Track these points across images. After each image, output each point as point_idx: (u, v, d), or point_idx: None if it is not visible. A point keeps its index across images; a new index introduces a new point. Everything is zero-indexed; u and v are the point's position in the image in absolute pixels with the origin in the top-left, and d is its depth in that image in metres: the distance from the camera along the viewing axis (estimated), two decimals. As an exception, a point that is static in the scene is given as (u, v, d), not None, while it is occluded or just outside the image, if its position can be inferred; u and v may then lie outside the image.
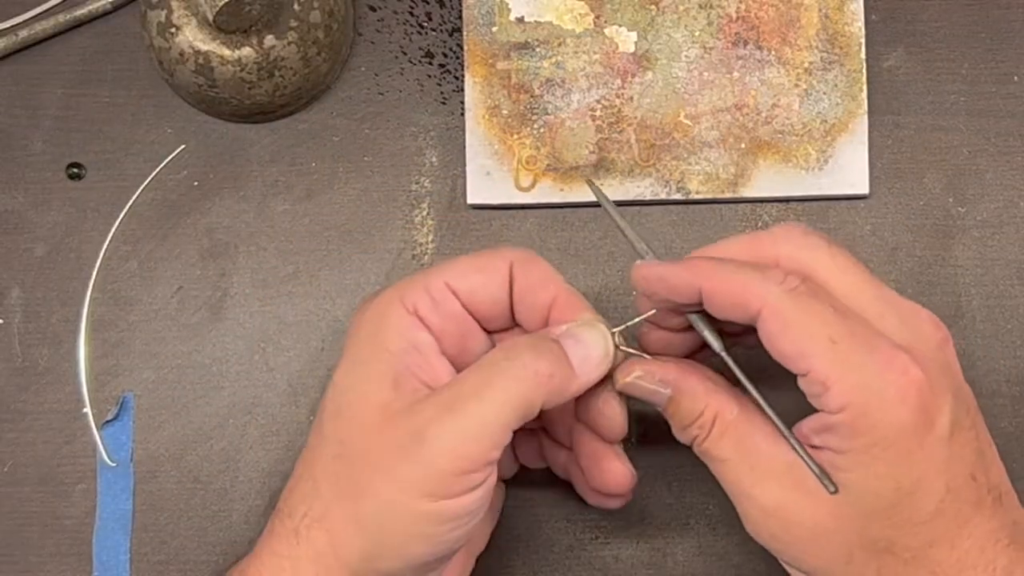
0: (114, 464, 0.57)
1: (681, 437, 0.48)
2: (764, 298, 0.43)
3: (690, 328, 0.48)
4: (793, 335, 0.43)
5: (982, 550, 0.43)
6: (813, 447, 0.44)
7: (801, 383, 0.44)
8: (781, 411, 0.46)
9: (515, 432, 0.45)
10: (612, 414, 0.48)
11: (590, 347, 0.46)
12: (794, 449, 0.44)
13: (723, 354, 0.47)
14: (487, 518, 0.53)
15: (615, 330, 0.47)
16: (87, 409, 0.58)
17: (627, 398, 0.49)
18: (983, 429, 0.45)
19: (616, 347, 0.47)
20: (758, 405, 0.46)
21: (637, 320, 0.48)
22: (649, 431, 0.57)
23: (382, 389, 0.45)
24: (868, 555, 0.44)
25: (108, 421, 0.57)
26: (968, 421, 0.44)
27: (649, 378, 0.47)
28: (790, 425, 0.45)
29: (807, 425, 0.45)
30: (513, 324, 0.49)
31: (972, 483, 0.43)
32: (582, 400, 0.48)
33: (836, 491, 0.43)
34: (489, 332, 0.49)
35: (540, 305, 0.48)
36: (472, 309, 0.48)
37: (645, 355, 0.48)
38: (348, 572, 0.45)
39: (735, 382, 0.47)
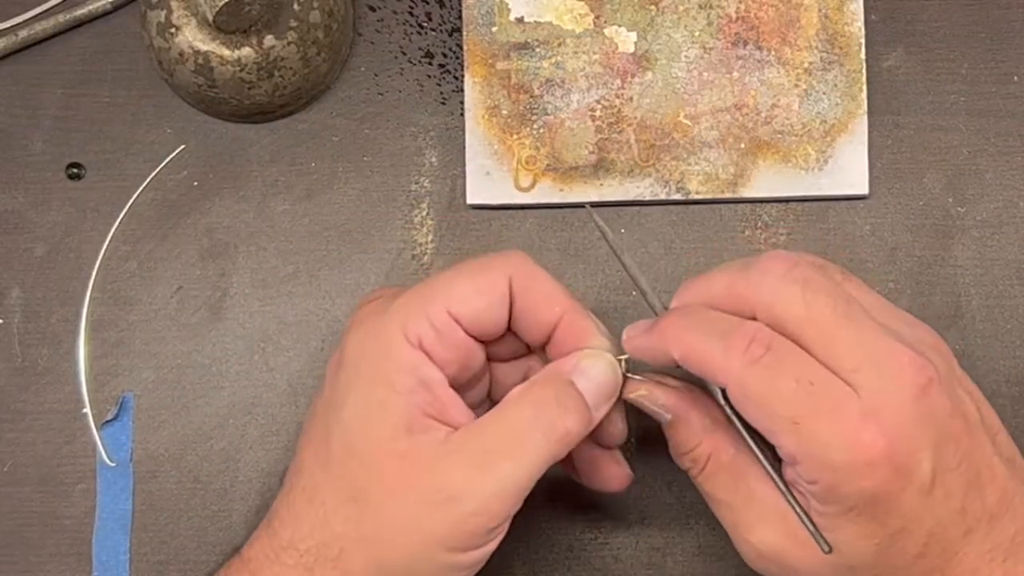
0: (114, 464, 0.57)
1: (677, 462, 0.48)
2: (727, 373, 0.43)
3: None
4: (756, 412, 0.43)
5: (975, 572, 0.44)
6: (800, 493, 0.44)
7: (776, 450, 0.44)
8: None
9: None
10: (613, 424, 0.49)
11: (602, 384, 0.46)
12: (792, 508, 0.44)
13: (721, 402, 0.45)
14: None
15: (622, 357, 0.47)
16: (87, 409, 0.58)
17: (628, 405, 0.49)
18: (981, 446, 0.44)
19: (624, 375, 0.47)
20: (756, 457, 0.45)
21: (640, 378, 0.48)
22: (649, 432, 0.57)
23: (397, 435, 0.44)
24: None
25: (108, 421, 0.58)
26: (956, 458, 0.43)
27: (652, 399, 0.47)
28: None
29: (790, 475, 0.45)
30: (507, 331, 0.48)
31: (960, 517, 0.43)
32: None
33: (830, 551, 0.44)
34: (485, 343, 0.48)
35: (543, 323, 0.47)
36: (475, 334, 0.47)
37: (654, 377, 0.48)
38: None
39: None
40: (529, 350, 0.50)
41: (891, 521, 0.42)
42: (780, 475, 0.45)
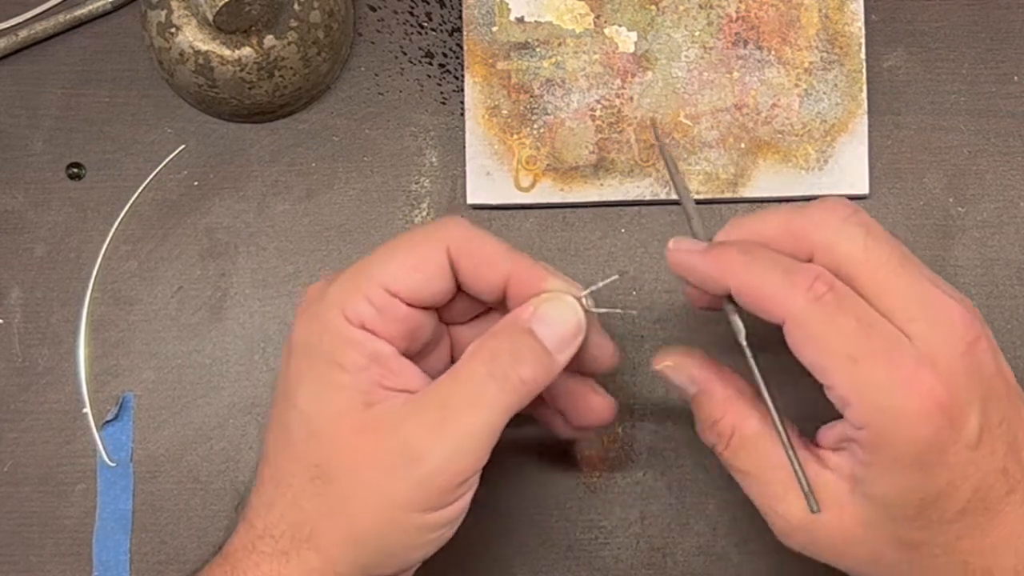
0: (114, 464, 0.57)
1: (703, 438, 0.48)
2: (788, 307, 0.43)
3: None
4: (814, 349, 0.43)
5: (1019, 535, 0.43)
6: (839, 451, 0.44)
7: (826, 392, 0.44)
8: (809, 412, 0.45)
9: None
10: (598, 348, 0.48)
11: (561, 326, 0.46)
12: (789, 460, 0.45)
13: (744, 345, 0.46)
14: None
15: (583, 294, 0.46)
16: (87, 409, 0.58)
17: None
18: (1018, 409, 0.44)
19: (587, 311, 0.46)
20: (767, 408, 0.46)
21: (605, 282, 0.47)
22: (649, 432, 0.57)
23: (353, 410, 0.44)
24: (899, 554, 0.44)
25: (108, 421, 0.58)
26: (998, 416, 0.43)
27: (678, 372, 0.47)
28: (818, 425, 0.45)
29: (832, 432, 0.45)
30: (458, 294, 0.48)
31: (1002, 477, 0.43)
32: None
33: (818, 510, 0.44)
34: (438, 309, 0.48)
35: (493, 284, 0.47)
36: (416, 305, 0.46)
37: (619, 310, 0.48)
38: None
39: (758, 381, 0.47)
40: (488, 309, 0.50)
41: (938, 473, 0.42)
42: (783, 426, 0.45)
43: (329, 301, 0.45)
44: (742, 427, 0.46)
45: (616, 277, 0.47)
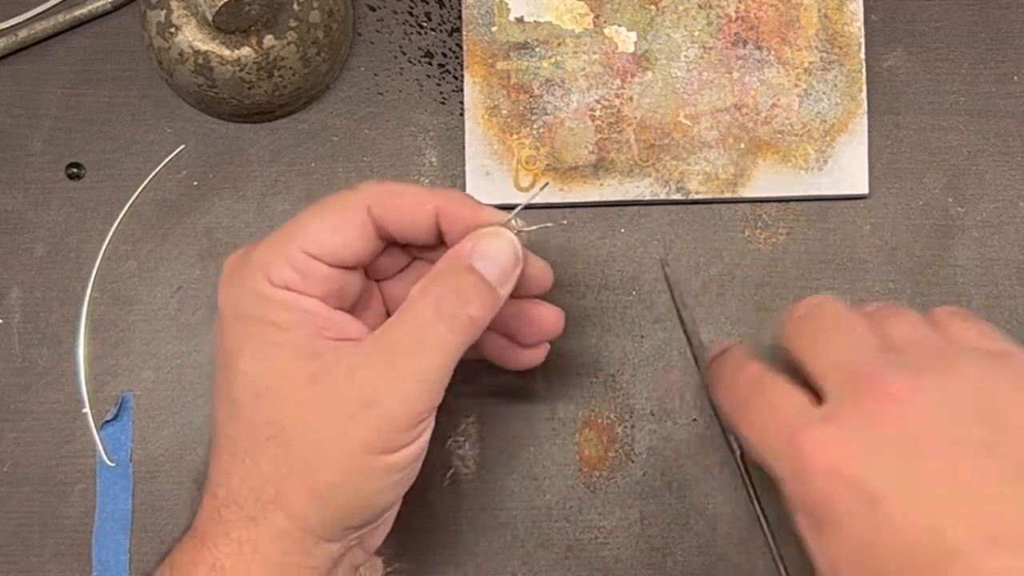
0: (113, 464, 0.57)
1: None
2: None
3: None
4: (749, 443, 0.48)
5: None
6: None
7: None
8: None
9: None
10: (533, 267, 0.49)
11: (501, 258, 0.46)
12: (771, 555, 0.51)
13: (738, 461, 0.53)
14: None
15: (510, 217, 0.47)
16: (87, 409, 0.58)
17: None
18: (964, 455, 0.42)
19: (519, 232, 0.47)
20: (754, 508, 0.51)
21: (537, 227, 0.49)
22: (650, 434, 0.57)
23: (299, 364, 0.44)
24: None
25: (108, 421, 0.58)
26: (918, 475, 0.42)
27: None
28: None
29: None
30: (383, 250, 0.49)
31: (936, 543, 0.41)
32: None
33: None
34: (367, 266, 0.49)
35: (424, 226, 0.47)
36: (340, 265, 0.47)
37: (548, 224, 0.50)
38: (315, 539, 0.45)
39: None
40: (413, 260, 0.51)
41: (847, 530, 0.42)
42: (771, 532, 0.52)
43: (252, 266, 0.46)
44: None
45: (545, 183, 0.49)
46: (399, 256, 0.50)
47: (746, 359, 0.49)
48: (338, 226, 0.46)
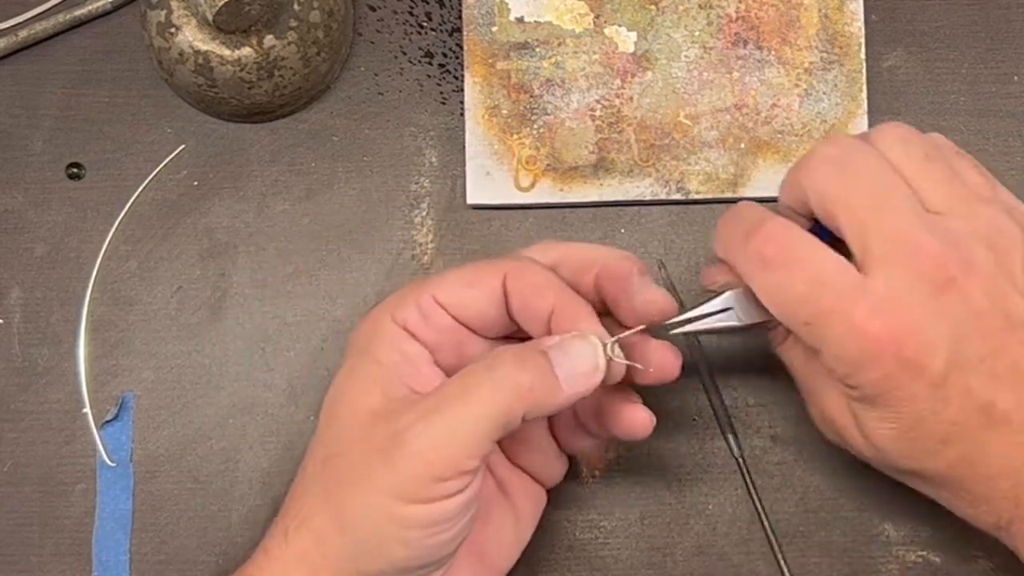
0: (114, 464, 0.57)
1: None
2: (745, 275, 0.46)
3: None
4: (775, 314, 0.46)
5: (1012, 466, 0.44)
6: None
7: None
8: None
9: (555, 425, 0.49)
10: (657, 354, 0.48)
11: (577, 360, 0.45)
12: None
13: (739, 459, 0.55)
14: (505, 532, 0.51)
15: (609, 341, 0.46)
16: (87, 409, 0.58)
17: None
18: (1022, 344, 0.44)
19: (609, 360, 0.46)
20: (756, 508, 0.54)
21: (631, 332, 0.47)
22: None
23: (371, 396, 0.46)
24: (906, 479, 0.48)
25: (108, 421, 0.58)
26: (980, 353, 0.44)
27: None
28: None
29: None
30: (518, 330, 0.49)
31: (986, 410, 0.44)
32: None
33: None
34: (491, 339, 0.49)
35: (540, 315, 0.47)
36: (464, 321, 0.48)
37: (638, 365, 0.47)
38: (333, 572, 0.45)
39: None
40: None
41: (904, 410, 0.44)
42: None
43: (385, 304, 0.48)
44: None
45: (643, 328, 0.48)
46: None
47: (765, 213, 0.46)
48: (472, 282, 0.48)
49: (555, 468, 0.52)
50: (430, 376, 0.47)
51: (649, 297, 0.47)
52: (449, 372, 0.48)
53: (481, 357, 0.47)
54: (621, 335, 0.47)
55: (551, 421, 0.51)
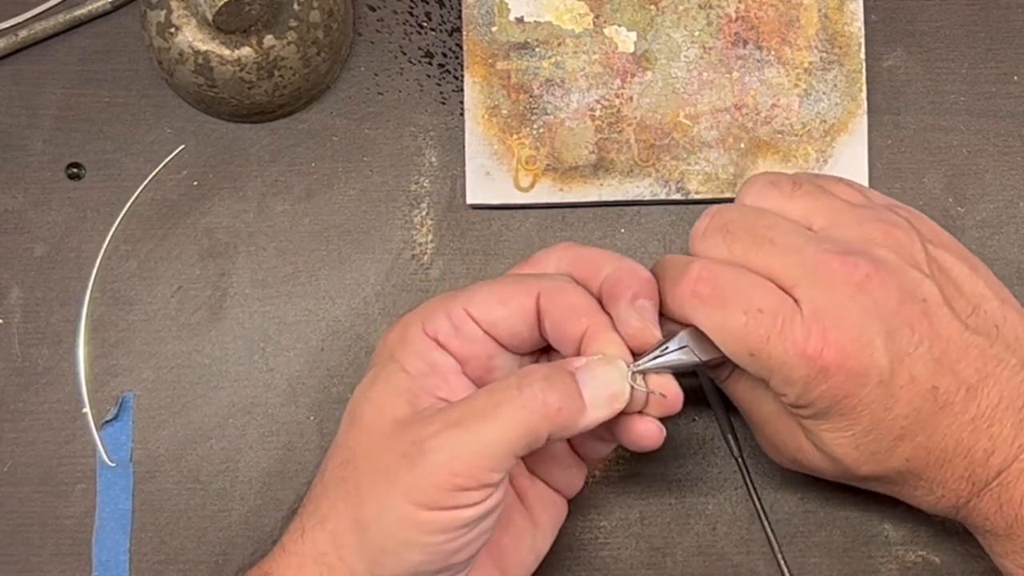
0: (113, 464, 0.57)
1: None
2: (684, 316, 0.47)
3: None
4: (720, 348, 0.47)
5: (959, 441, 0.46)
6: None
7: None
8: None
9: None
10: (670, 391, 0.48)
11: (602, 384, 0.46)
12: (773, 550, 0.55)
13: (738, 459, 0.56)
14: (523, 541, 0.51)
15: (635, 368, 0.47)
16: (87, 409, 0.58)
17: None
18: (944, 324, 0.46)
19: (632, 387, 0.46)
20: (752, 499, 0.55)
21: (659, 363, 0.47)
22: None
23: (398, 404, 0.46)
24: (866, 484, 0.49)
25: (108, 421, 0.58)
26: (914, 341, 0.45)
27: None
28: None
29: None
30: (546, 346, 0.49)
31: (931, 395, 0.45)
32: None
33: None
34: (521, 355, 0.49)
35: (572, 336, 0.47)
36: (494, 336, 0.48)
37: (662, 395, 0.47)
38: (349, 573, 0.45)
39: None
40: None
41: (861, 415, 0.46)
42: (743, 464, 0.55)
43: (415, 314, 0.49)
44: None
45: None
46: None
47: (688, 257, 0.48)
48: (505, 298, 0.48)
49: (574, 478, 0.52)
50: (458, 387, 0.48)
51: (630, 330, 0.47)
52: (477, 383, 0.48)
53: (509, 371, 0.48)
54: (644, 364, 0.47)
55: None
